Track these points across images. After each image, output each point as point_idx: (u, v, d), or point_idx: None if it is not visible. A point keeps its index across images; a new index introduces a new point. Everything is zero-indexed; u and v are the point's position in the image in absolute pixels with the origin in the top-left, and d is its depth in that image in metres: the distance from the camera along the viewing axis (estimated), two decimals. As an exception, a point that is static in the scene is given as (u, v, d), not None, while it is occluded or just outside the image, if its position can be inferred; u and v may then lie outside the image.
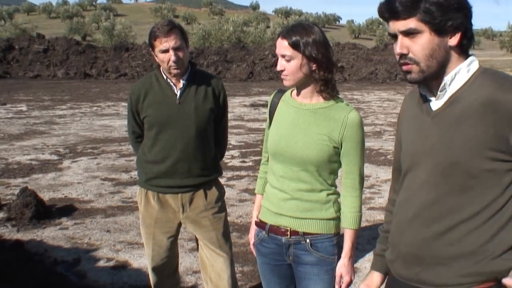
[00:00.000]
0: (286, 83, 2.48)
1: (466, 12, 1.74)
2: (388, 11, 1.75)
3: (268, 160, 2.72)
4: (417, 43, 1.74)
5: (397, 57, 1.80)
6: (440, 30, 1.72)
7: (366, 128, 12.16)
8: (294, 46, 2.39)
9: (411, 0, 1.69)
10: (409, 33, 1.74)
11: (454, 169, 1.75)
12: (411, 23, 1.72)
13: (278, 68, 2.46)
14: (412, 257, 1.90)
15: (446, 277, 1.82)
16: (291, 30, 2.43)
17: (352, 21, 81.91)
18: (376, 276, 2.21)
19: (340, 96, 2.55)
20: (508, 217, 1.74)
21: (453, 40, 1.75)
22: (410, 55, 1.76)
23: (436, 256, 1.83)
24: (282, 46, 2.42)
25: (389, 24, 1.80)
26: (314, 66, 2.42)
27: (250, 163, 8.89)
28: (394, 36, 1.80)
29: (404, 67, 1.79)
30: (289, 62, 2.42)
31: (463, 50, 1.80)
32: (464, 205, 1.76)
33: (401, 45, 1.76)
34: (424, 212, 1.85)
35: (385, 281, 2.19)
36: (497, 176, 1.71)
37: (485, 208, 1.74)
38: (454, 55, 1.78)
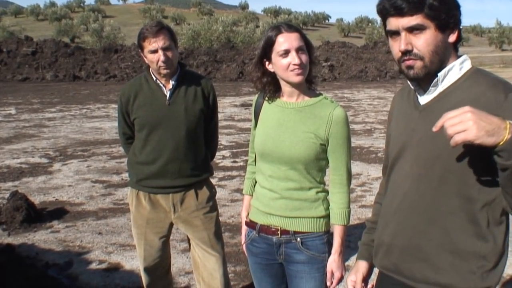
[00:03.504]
0: (301, 78, 2.41)
1: (460, 10, 1.77)
2: (393, 7, 1.74)
3: (255, 161, 2.73)
4: (421, 39, 1.74)
5: (399, 54, 1.79)
6: (444, 26, 1.74)
7: (356, 126, 12.24)
8: (305, 38, 2.44)
9: None
10: (414, 29, 1.74)
11: (435, 163, 1.78)
12: (417, 19, 1.72)
13: (297, 61, 2.36)
14: (394, 248, 1.94)
15: (424, 273, 1.86)
16: (290, 25, 2.45)
17: (342, 19, 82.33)
18: (362, 264, 2.22)
19: (330, 94, 2.56)
20: (487, 222, 1.76)
21: (452, 37, 1.78)
22: (415, 51, 1.76)
23: (416, 249, 1.87)
24: (297, 38, 2.40)
25: (388, 21, 1.79)
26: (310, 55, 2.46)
27: (241, 163, 8.90)
28: (394, 33, 1.79)
29: (407, 62, 1.79)
30: (304, 54, 2.41)
31: (456, 48, 1.83)
32: (442, 200, 1.79)
33: (406, 41, 1.75)
34: (406, 203, 1.89)
35: (376, 277, 2.20)
36: (476, 173, 1.73)
37: (465, 209, 1.76)
38: (451, 52, 1.81)
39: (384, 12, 1.79)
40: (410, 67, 1.79)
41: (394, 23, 1.76)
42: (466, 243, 1.78)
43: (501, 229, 1.79)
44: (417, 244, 1.86)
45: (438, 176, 1.78)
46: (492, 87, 1.71)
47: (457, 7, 1.76)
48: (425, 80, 1.84)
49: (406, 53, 1.77)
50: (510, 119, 1.57)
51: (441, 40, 1.75)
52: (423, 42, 1.74)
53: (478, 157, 1.70)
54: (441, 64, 1.79)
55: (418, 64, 1.77)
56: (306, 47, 2.44)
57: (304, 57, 2.40)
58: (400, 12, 1.73)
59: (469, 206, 1.76)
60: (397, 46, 1.79)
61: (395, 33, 1.79)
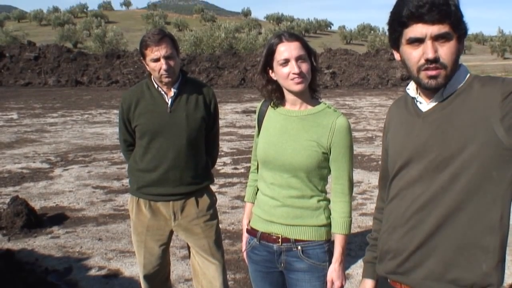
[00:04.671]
0: (301, 86, 2.42)
1: None
2: (426, 14, 1.72)
3: (257, 168, 2.73)
4: (446, 48, 1.75)
5: (421, 62, 1.77)
6: (462, 37, 1.77)
7: (358, 134, 12.24)
8: (306, 46, 2.44)
9: (446, 5, 1.71)
10: (441, 38, 1.74)
11: (448, 163, 1.77)
12: (445, 27, 1.73)
13: (296, 70, 2.37)
14: (402, 251, 1.91)
15: (430, 269, 1.84)
16: (292, 34, 2.46)
17: (344, 27, 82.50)
18: (369, 283, 2.21)
19: (332, 101, 2.57)
20: (500, 214, 1.76)
21: (462, 48, 1.80)
22: (441, 59, 1.76)
23: (425, 249, 1.85)
24: (297, 47, 2.40)
25: (412, 27, 1.76)
26: (312, 63, 2.46)
27: (242, 170, 8.89)
28: (416, 41, 1.77)
29: (432, 72, 1.77)
30: (305, 63, 2.41)
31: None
32: (455, 199, 1.78)
33: (434, 49, 1.74)
34: (415, 207, 1.87)
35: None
36: (484, 166, 1.73)
37: (477, 204, 1.76)
38: (458, 62, 1.83)
39: (413, 18, 1.75)
40: (433, 77, 1.77)
41: (421, 30, 1.74)
42: (476, 238, 1.77)
43: (508, 223, 1.78)
44: (426, 244, 1.84)
45: (450, 176, 1.77)
46: (488, 80, 1.77)
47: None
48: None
49: (432, 61, 1.75)
50: None
51: (458, 50, 1.78)
52: (448, 51, 1.75)
53: (493, 149, 1.71)
54: (454, 74, 1.81)
55: (442, 73, 1.77)
56: (308, 55, 2.44)
57: (305, 66, 2.41)
58: (431, 19, 1.72)
59: (482, 200, 1.75)
60: (417, 54, 1.77)
61: (417, 41, 1.76)
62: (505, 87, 1.70)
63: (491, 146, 1.71)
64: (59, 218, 6.45)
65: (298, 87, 2.42)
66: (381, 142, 8.92)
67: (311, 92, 2.54)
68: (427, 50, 1.74)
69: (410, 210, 1.89)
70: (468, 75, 1.84)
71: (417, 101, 1.91)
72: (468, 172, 1.74)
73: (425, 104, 1.88)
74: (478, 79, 1.82)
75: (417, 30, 1.75)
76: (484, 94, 1.73)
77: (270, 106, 2.64)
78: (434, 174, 1.81)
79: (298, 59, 2.39)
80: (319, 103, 2.56)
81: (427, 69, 1.77)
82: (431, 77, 1.77)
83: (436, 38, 1.74)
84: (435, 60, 1.75)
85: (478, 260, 1.78)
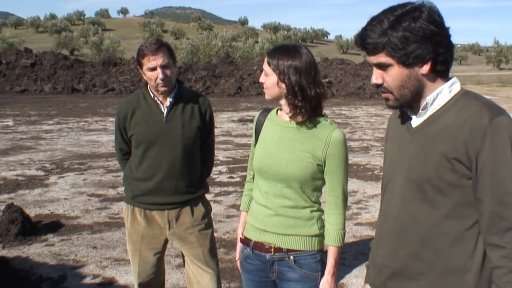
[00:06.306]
0: (266, 96, 2.57)
1: (437, 38, 1.75)
2: (361, 47, 1.83)
3: (253, 178, 2.76)
4: (388, 75, 1.81)
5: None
6: (405, 62, 1.77)
7: (353, 144, 12.27)
8: (271, 64, 2.49)
9: (378, 35, 1.76)
10: (381, 66, 1.81)
11: (426, 185, 1.81)
12: (380, 58, 1.79)
13: (260, 80, 2.56)
14: (386, 268, 1.96)
15: None
16: (276, 49, 2.54)
17: (340, 36, 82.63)
18: None
19: (328, 111, 2.60)
20: (476, 235, 1.79)
21: (424, 69, 1.79)
22: (385, 84, 1.84)
23: (407, 270, 1.89)
24: (265, 62, 2.52)
25: None
26: (284, 89, 2.47)
27: (238, 179, 8.90)
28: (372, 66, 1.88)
29: (383, 95, 1.88)
30: (267, 77, 2.51)
31: (439, 74, 1.83)
32: (434, 221, 1.81)
33: (376, 76, 1.85)
34: (398, 225, 1.91)
35: None
36: (466, 194, 1.76)
37: (459, 229, 1.79)
38: (428, 81, 1.83)
39: (358, 47, 1.87)
40: (385, 99, 1.88)
41: (368, 58, 1.86)
42: (457, 262, 1.80)
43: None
44: (408, 265, 1.88)
45: (430, 199, 1.81)
46: (478, 112, 1.73)
47: (425, 39, 1.73)
48: (414, 104, 1.87)
49: (377, 86, 1.85)
50: (491, 147, 1.65)
51: (407, 75, 1.79)
52: (390, 78, 1.81)
53: (469, 178, 1.73)
54: (415, 95, 1.84)
55: (390, 96, 1.85)
56: (278, 72, 2.46)
57: (267, 80, 2.50)
58: (367, 51, 1.82)
59: (461, 225, 1.78)
60: None
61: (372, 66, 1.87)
62: (487, 137, 1.68)
63: (469, 178, 1.74)
64: (54, 225, 6.43)
65: (265, 96, 2.57)
66: (376, 152, 8.96)
67: (306, 106, 2.54)
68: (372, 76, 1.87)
69: (393, 228, 1.93)
70: (458, 89, 1.84)
71: (407, 114, 1.95)
72: (450, 199, 1.78)
73: (415, 119, 1.92)
74: (470, 101, 1.79)
75: (368, 57, 1.87)
76: (471, 129, 1.71)
77: (267, 117, 2.67)
78: (414, 193, 1.85)
79: (263, 71, 2.54)
80: (317, 115, 2.57)
81: (380, 91, 1.88)
82: (384, 99, 1.88)
83: (378, 66, 1.82)
84: (379, 85, 1.85)
85: (461, 284, 1.80)
